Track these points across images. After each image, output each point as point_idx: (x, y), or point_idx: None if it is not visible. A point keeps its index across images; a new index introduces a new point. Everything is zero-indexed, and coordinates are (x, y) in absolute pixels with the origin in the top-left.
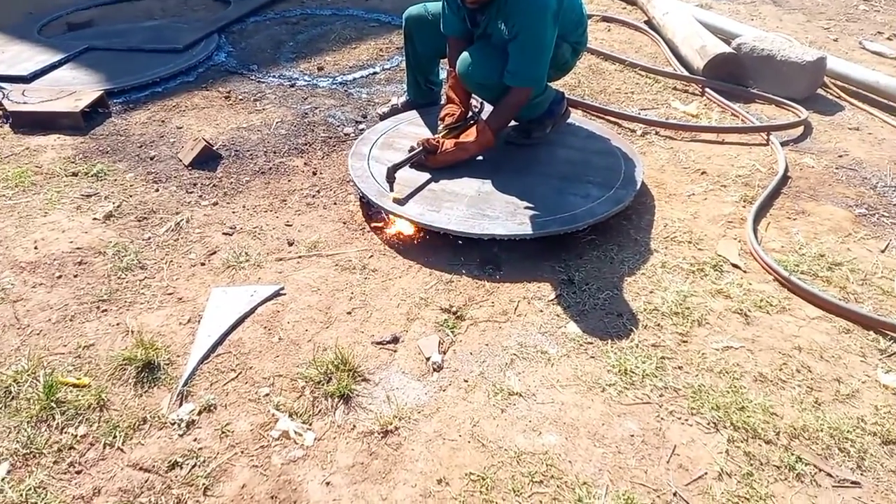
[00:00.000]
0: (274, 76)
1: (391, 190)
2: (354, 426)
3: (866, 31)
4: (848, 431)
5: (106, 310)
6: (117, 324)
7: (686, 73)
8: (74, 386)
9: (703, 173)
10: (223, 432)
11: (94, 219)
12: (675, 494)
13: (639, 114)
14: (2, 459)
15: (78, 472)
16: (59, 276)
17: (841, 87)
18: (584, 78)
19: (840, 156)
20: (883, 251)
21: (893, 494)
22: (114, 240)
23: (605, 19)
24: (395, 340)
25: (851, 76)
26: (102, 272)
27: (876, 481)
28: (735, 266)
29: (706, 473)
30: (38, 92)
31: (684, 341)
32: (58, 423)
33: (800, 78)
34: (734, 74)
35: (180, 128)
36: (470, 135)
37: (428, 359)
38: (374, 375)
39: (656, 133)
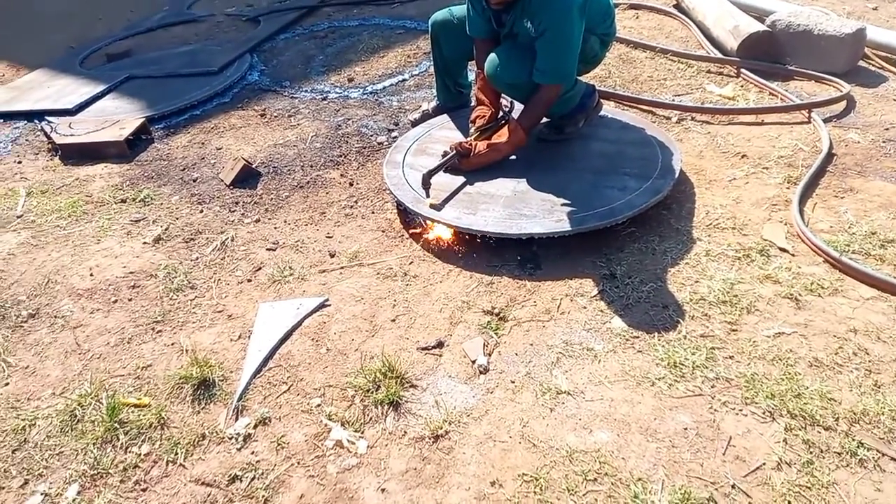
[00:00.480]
0: (306, 91)
1: (427, 196)
2: (405, 432)
3: None
4: None
5: (161, 331)
6: (172, 343)
7: (720, 56)
8: (136, 406)
9: (743, 156)
10: (279, 444)
11: (144, 243)
12: (733, 487)
13: (673, 100)
14: (72, 481)
15: (144, 490)
16: (115, 301)
17: (883, 58)
18: (614, 68)
19: (886, 129)
20: None
21: None
22: (164, 262)
23: (633, 6)
24: (440, 345)
25: (894, 45)
26: (155, 294)
27: None
28: (782, 250)
29: (764, 464)
30: (83, 123)
31: (734, 330)
32: (122, 443)
33: (839, 51)
34: (770, 53)
35: (220, 148)
36: (502, 135)
37: (474, 362)
38: (422, 381)
39: (692, 119)
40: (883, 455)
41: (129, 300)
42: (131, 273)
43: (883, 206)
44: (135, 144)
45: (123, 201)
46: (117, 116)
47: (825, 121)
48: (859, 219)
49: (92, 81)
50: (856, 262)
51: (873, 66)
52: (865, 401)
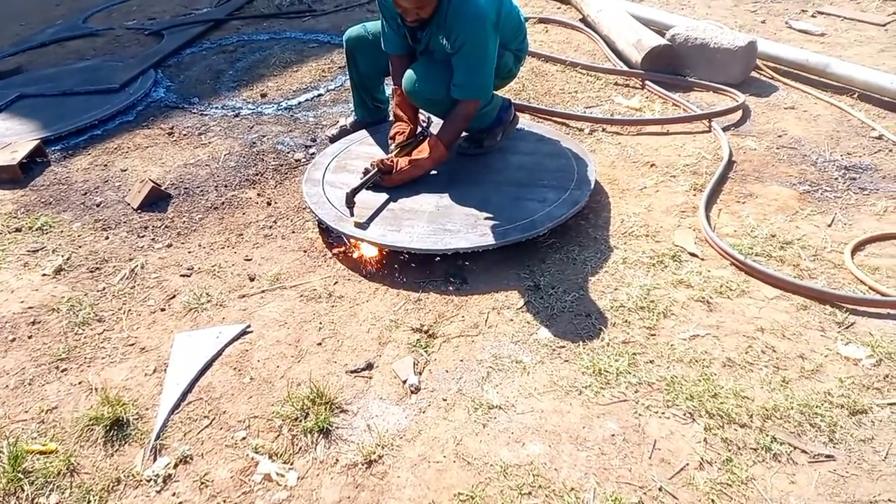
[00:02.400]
0: (217, 107)
1: (351, 215)
2: (337, 460)
3: (791, 10)
4: (816, 406)
5: (66, 369)
6: (79, 382)
7: (625, 68)
8: (41, 453)
9: (652, 166)
10: (202, 483)
11: (44, 274)
12: (660, 489)
13: (584, 112)
14: None
15: None
16: (13, 339)
17: (773, 68)
18: (527, 82)
19: (779, 136)
20: (829, 225)
21: (866, 463)
22: (67, 294)
23: (542, 21)
24: (370, 367)
25: (782, 56)
26: (58, 330)
27: (848, 452)
28: (693, 255)
29: (688, 464)
30: None
31: (652, 335)
32: (27, 495)
33: (733, 63)
34: (671, 65)
35: (125, 170)
36: (423, 151)
37: (404, 382)
38: (352, 405)
39: (603, 130)
40: (795, 448)
41: (29, 337)
42: (30, 308)
43: (780, 210)
44: (29, 168)
45: (18, 230)
46: (8, 139)
47: (724, 129)
48: (760, 222)
49: None
50: (759, 264)
51: (765, 76)
52: (776, 397)
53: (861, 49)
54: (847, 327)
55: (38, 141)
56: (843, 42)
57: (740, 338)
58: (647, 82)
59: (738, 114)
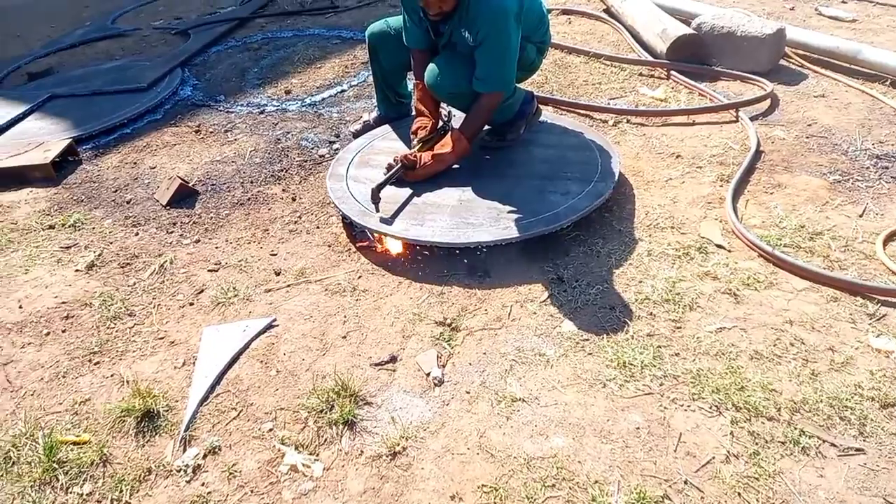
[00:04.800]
0: (242, 105)
1: (377, 210)
2: (362, 451)
3: None
4: (846, 399)
5: (98, 362)
6: (111, 375)
7: (650, 59)
8: (75, 444)
9: (677, 157)
10: (231, 473)
11: (77, 270)
12: (685, 482)
13: (608, 104)
14: None
15: None
16: (48, 333)
17: (802, 56)
18: (550, 74)
19: (809, 125)
20: (861, 216)
21: None
22: (98, 289)
23: (565, 12)
24: (394, 360)
25: (811, 44)
26: (91, 324)
27: (879, 446)
28: (719, 246)
29: (714, 458)
30: (4, 147)
31: (678, 327)
32: (62, 484)
33: (761, 51)
34: (697, 54)
35: (153, 168)
36: (445, 145)
37: (428, 374)
38: (377, 397)
39: (628, 121)
40: (824, 441)
41: (63, 332)
42: (64, 303)
43: (810, 200)
44: (62, 167)
45: (52, 227)
46: (41, 138)
47: (752, 119)
48: (788, 213)
49: (12, 102)
50: (788, 256)
51: (794, 64)
52: (804, 390)
53: (894, 35)
54: (878, 319)
55: (70, 140)
56: (875, 28)
57: (768, 330)
58: (672, 72)
59: (767, 103)
